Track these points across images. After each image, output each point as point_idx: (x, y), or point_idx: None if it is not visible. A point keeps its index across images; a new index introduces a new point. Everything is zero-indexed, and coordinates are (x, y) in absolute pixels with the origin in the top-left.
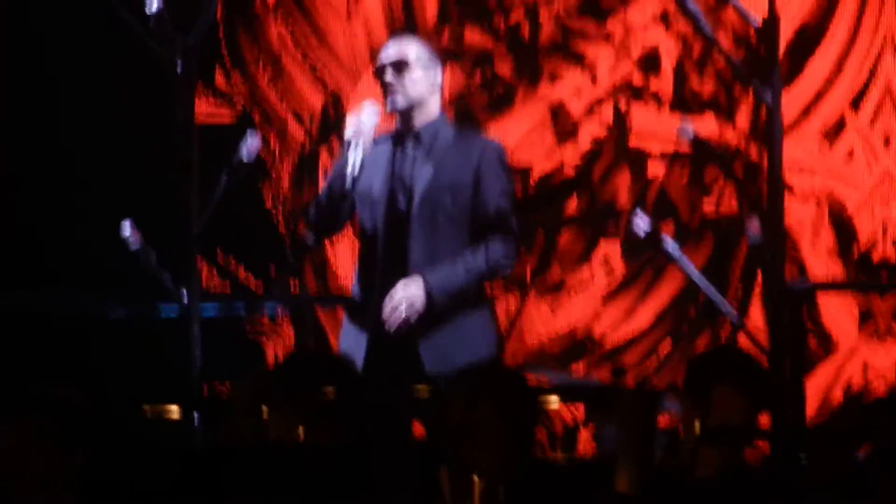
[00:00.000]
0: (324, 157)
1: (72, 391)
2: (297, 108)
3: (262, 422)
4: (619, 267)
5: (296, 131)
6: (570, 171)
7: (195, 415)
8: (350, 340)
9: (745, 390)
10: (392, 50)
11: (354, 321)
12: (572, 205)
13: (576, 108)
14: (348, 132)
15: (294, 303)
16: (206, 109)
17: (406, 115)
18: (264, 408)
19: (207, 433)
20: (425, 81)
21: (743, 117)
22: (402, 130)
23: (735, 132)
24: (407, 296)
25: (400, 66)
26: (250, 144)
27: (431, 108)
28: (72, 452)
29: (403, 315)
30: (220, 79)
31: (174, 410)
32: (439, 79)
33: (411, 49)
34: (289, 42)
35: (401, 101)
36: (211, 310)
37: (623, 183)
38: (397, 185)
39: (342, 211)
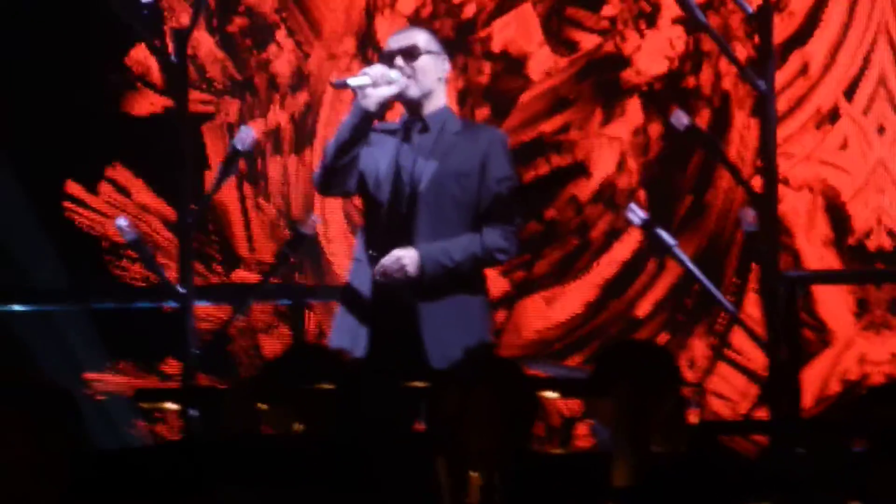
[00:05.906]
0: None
1: (48, 382)
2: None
3: (259, 417)
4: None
5: (283, 119)
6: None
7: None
8: (345, 332)
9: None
10: (401, 37)
11: (354, 312)
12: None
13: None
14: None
15: (290, 295)
16: (198, 97)
17: (415, 103)
18: (261, 404)
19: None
20: (434, 70)
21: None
22: (410, 118)
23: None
24: (398, 257)
25: (411, 52)
26: (246, 134)
27: (438, 98)
28: (54, 443)
29: (394, 275)
30: (213, 69)
31: (171, 405)
32: (447, 70)
33: (421, 37)
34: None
35: (413, 90)
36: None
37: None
38: (403, 171)
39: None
